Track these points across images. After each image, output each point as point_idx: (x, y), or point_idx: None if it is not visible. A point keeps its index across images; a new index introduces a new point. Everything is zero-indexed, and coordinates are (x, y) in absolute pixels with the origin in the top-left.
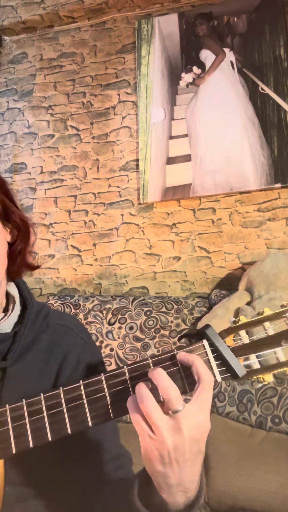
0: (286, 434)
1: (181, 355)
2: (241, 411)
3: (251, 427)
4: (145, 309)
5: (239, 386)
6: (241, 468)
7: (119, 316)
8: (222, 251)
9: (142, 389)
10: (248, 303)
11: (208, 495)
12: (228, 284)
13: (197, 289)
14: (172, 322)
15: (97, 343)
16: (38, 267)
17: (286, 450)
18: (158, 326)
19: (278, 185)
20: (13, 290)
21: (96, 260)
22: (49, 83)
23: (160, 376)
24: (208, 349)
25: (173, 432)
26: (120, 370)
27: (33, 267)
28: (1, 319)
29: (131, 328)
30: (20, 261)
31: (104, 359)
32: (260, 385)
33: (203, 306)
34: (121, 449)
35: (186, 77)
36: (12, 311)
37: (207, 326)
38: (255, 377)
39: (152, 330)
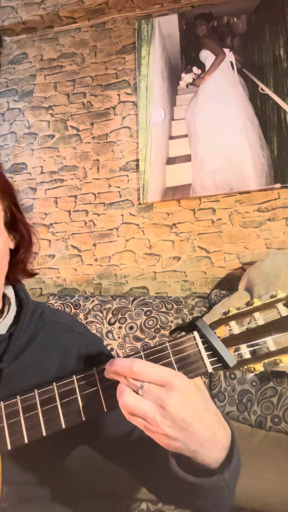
0: (285, 433)
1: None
2: (241, 410)
3: (251, 427)
4: (145, 309)
5: (238, 386)
6: (241, 468)
7: (119, 316)
8: (222, 251)
9: (118, 386)
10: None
11: None
12: (228, 284)
13: (197, 289)
14: (172, 322)
15: (102, 340)
16: (36, 274)
17: (285, 450)
18: (158, 326)
19: (278, 185)
20: (9, 291)
21: (96, 260)
22: (49, 83)
23: (108, 370)
24: (199, 340)
25: (156, 408)
26: None
27: (32, 275)
28: None
29: (131, 328)
30: (20, 269)
31: None
32: (252, 375)
33: (203, 306)
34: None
35: (186, 78)
36: (7, 312)
37: (197, 317)
38: (246, 367)
39: (152, 330)
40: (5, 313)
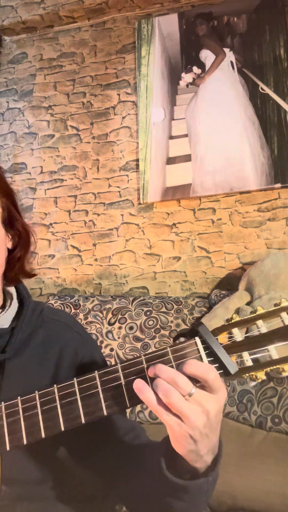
0: (286, 434)
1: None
2: (241, 411)
3: (251, 427)
4: (145, 309)
5: (239, 386)
6: (241, 468)
7: (119, 316)
8: (222, 251)
9: (163, 383)
10: (248, 303)
11: None
12: (228, 284)
13: (197, 289)
14: (172, 322)
15: (97, 343)
16: (34, 275)
17: (286, 450)
18: (158, 326)
19: (278, 185)
20: (11, 288)
21: (96, 260)
22: (49, 83)
23: (161, 369)
24: (200, 346)
25: (201, 415)
26: (113, 367)
27: (30, 275)
28: None
29: (131, 328)
30: (18, 268)
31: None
32: (254, 383)
33: (203, 306)
34: (131, 422)
35: (186, 77)
36: (9, 306)
37: (200, 323)
38: (247, 375)
39: (152, 330)
40: (7, 307)
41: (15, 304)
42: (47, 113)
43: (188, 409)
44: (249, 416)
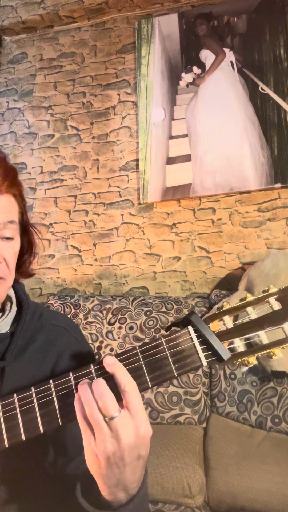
0: (286, 434)
1: (105, 363)
2: (241, 411)
3: (251, 427)
4: (145, 309)
5: (239, 386)
6: (241, 468)
7: (119, 316)
8: (222, 251)
9: (86, 392)
10: None
11: (208, 495)
12: (228, 284)
13: (197, 289)
14: (172, 322)
15: (97, 343)
16: (34, 274)
17: (286, 450)
18: (158, 326)
19: (278, 185)
20: (10, 291)
21: (96, 260)
22: (49, 83)
23: (97, 384)
24: (193, 335)
25: (111, 439)
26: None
27: (30, 275)
28: None
29: (131, 328)
30: (21, 271)
31: None
32: (246, 368)
33: (203, 306)
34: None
35: (186, 77)
36: (9, 311)
37: (192, 313)
38: (240, 360)
39: (152, 330)
40: (7, 312)
41: (14, 308)
42: (47, 113)
43: (101, 428)
44: (249, 416)
